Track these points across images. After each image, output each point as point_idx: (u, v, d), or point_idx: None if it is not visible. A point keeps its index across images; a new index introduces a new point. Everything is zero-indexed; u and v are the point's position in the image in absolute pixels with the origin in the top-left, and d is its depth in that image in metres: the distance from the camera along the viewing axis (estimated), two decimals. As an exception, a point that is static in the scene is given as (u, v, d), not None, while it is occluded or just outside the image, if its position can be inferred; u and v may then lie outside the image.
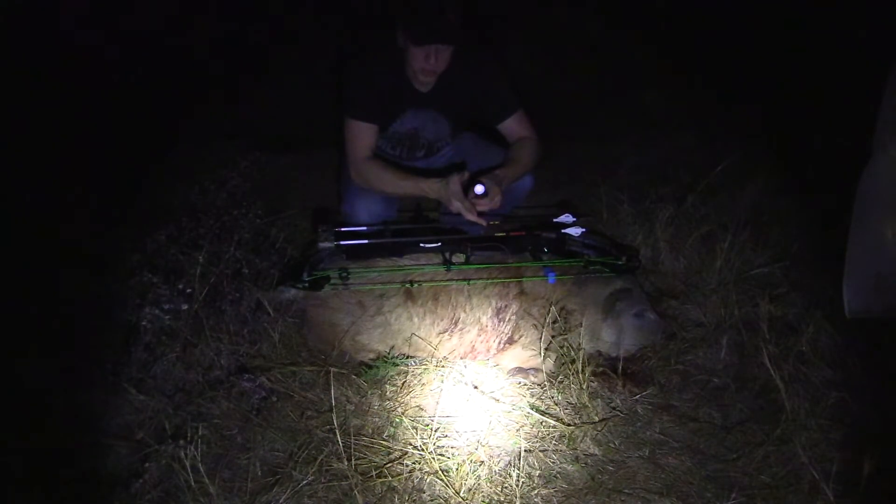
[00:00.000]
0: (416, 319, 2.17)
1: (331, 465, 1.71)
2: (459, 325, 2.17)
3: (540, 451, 1.81)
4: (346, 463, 1.69)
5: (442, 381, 2.05)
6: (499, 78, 2.45)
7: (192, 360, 2.01)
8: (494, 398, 2.00)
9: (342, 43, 4.01)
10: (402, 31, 2.25)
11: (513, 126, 2.47)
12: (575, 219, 2.39)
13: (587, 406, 1.94)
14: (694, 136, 3.58)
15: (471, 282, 2.17)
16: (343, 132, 2.41)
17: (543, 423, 1.90)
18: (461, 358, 2.19)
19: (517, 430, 1.88)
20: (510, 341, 2.18)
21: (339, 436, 1.71)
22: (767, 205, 2.85)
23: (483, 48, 2.48)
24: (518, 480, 1.69)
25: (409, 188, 2.40)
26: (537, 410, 1.94)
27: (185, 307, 2.07)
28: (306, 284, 2.14)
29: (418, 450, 1.77)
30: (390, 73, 2.37)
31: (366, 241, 2.26)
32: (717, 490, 1.69)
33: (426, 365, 2.13)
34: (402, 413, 1.93)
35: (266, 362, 2.08)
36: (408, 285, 2.17)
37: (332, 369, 1.96)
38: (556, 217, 2.41)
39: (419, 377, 2.08)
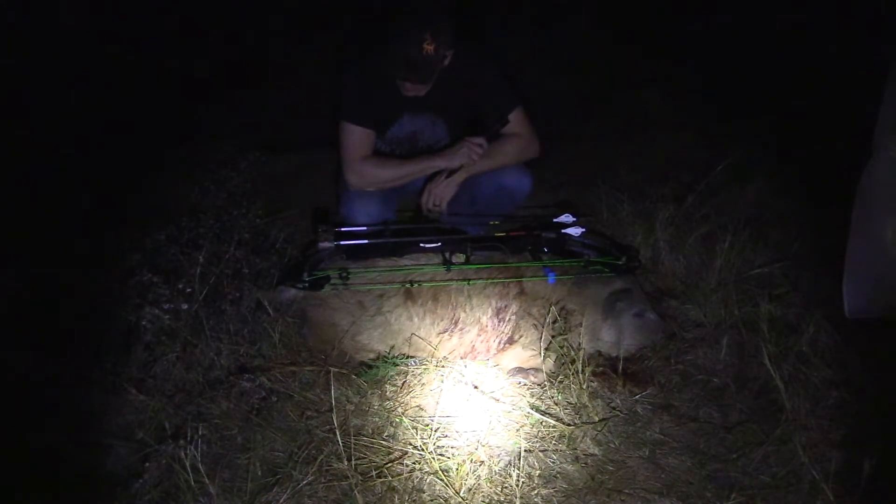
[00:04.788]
0: (416, 319, 2.17)
1: (331, 465, 1.70)
2: (459, 325, 2.17)
3: (540, 451, 1.81)
4: (346, 463, 1.69)
5: (442, 381, 2.05)
6: (495, 77, 2.45)
7: (192, 360, 2.01)
8: (494, 398, 2.00)
9: (341, 45, 4.02)
10: None
11: (509, 124, 2.47)
12: (575, 219, 2.39)
13: (587, 406, 1.94)
14: (694, 136, 3.58)
15: (471, 282, 2.17)
16: (339, 137, 2.42)
17: (543, 423, 1.90)
18: (461, 358, 2.19)
19: (517, 430, 1.88)
20: (510, 341, 2.18)
21: (339, 436, 1.71)
22: (767, 205, 2.85)
23: (479, 48, 2.48)
24: (518, 480, 1.69)
25: (415, 168, 2.43)
26: (537, 410, 1.94)
27: (185, 307, 2.07)
28: (306, 284, 2.14)
29: (418, 450, 1.77)
30: (386, 77, 2.36)
31: (366, 242, 2.26)
32: (717, 490, 1.69)
33: (426, 365, 2.12)
34: (402, 413, 1.93)
35: (266, 362, 2.08)
36: (408, 285, 2.17)
37: (332, 369, 1.96)
38: (556, 217, 2.41)
39: (419, 377, 2.08)
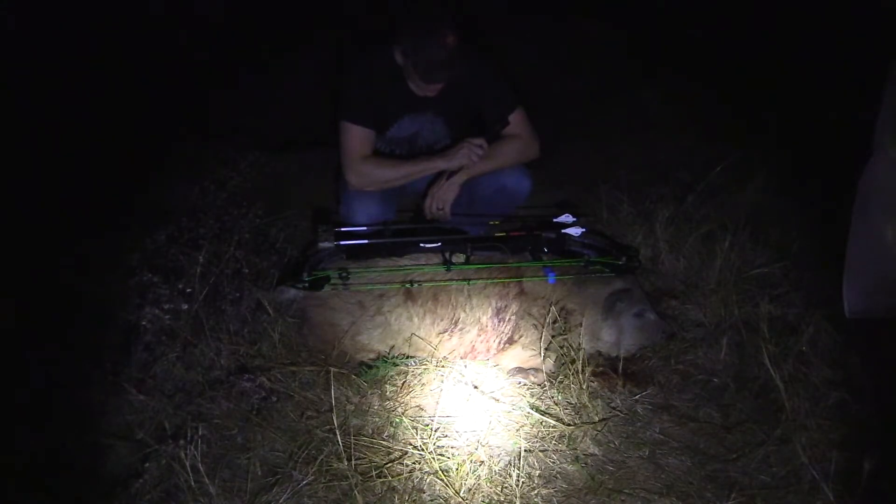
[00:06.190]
0: (416, 319, 2.17)
1: (331, 465, 1.71)
2: (459, 325, 2.17)
3: (540, 451, 1.81)
4: (346, 463, 1.69)
5: (442, 381, 2.05)
6: (495, 78, 2.46)
7: (192, 360, 2.01)
8: (494, 398, 2.00)
9: (342, 44, 4.01)
10: (406, 59, 2.27)
11: (509, 125, 2.47)
12: (575, 219, 2.39)
13: (587, 406, 1.94)
14: (694, 136, 3.58)
15: (471, 282, 2.17)
16: (339, 136, 2.42)
17: (543, 423, 1.90)
18: (461, 358, 2.19)
19: (517, 430, 1.88)
20: (510, 341, 2.18)
21: (339, 436, 1.71)
22: (767, 205, 2.85)
23: (480, 49, 2.48)
24: (518, 480, 1.69)
25: (415, 169, 2.43)
26: (537, 410, 1.94)
27: (185, 307, 2.07)
28: (306, 284, 2.14)
29: (418, 450, 1.77)
30: (388, 78, 2.37)
31: (366, 241, 2.26)
32: (717, 490, 1.69)
33: (426, 365, 2.13)
34: (402, 413, 1.93)
35: (266, 362, 2.08)
36: (408, 285, 2.17)
37: (332, 369, 1.96)
38: (556, 217, 2.41)
39: (419, 377, 2.08)
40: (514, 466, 1.73)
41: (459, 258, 2.22)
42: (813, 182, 2.67)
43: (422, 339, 2.16)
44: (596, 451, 1.82)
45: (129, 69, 3.61)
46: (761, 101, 3.54)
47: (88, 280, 2.24)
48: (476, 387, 2.04)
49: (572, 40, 4.67)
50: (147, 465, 1.69)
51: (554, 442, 1.84)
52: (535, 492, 1.68)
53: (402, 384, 2.05)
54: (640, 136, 3.69)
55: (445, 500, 1.65)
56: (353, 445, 1.76)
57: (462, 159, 2.38)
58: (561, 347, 2.10)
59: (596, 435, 1.86)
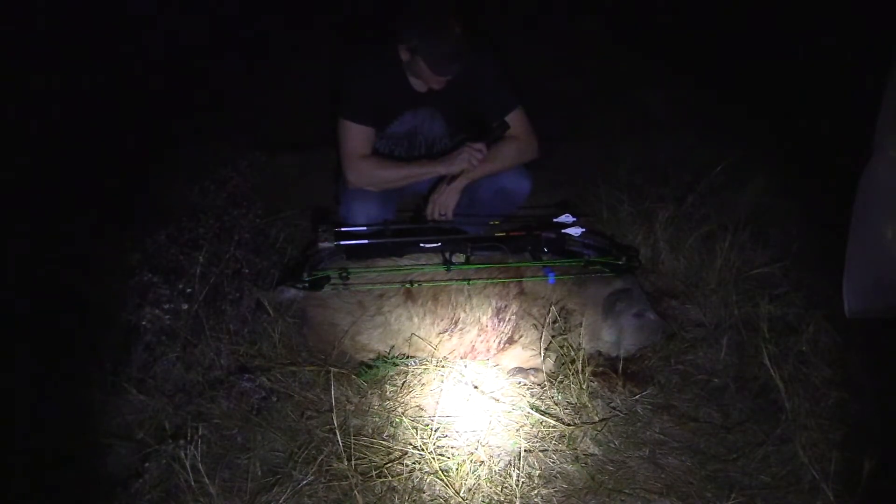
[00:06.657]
0: (416, 319, 2.17)
1: (331, 465, 1.71)
2: (459, 325, 2.17)
3: (540, 451, 1.81)
4: (346, 463, 1.69)
5: (442, 381, 2.05)
6: (497, 76, 2.45)
7: (192, 360, 2.01)
8: (494, 398, 2.00)
9: (341, 43, 4.01)
10: (413, 54, 2.26)
11: (509, 126, 2.47)
12: (575, 219, 2.39)
13: (587, 406, 1.94)
14: (694, 136, 3.58)
15: (471, 282, 2.17)
16: (338, 134, 2.42)
17: (543, 423, 1.90)
18: (461, 358, 2.19)
19: (517, 430, 1.88)
20: (510, 341, 2.18)
21: (339, 436, 1.71)
22: (767, 205, 2.85)
23: (482, 46, 2.47)
24: (518, 480, 1.69)
25: (414, 172, 2.44)
26: (537, 410, 1.94)
27: (185, 307, 2.07)
28: (306, 284, 2.14)
29: (418, 450, 1.77)
30: (388, 75, 2.37)
31: (366, 241, 2.26)
32: (717, 490, 1.69)
33: (426, 365, 2.13)
34: (402, 413, 1.93)
35: (266, 362, 2.08)
36: (408, 285, 2.17)
37: (332, 369, 1.96)
38: (556, 217, 2.41)
39: (419, 377, 2.08)
40: (514, 466, 1.73)
41: (459, 258, 2.22)
42: (813, 182, 2.67)
43: (422, 339, 2.16)
44: (596, 451, 1.82)
45: (129, 69, 3.61)
46: (761, 101, 3.54)
47: (88, 280, 2.24)
48: (476, 387, 2.04)
49: (572, 40, 4.67)
50: (147, 465, 1.69)
51: (554, 442, 1.84)
52: (535, 492, 1.68)
53: (402, 384, 2.05)
54: (640, 136, 3.69)
55: (445, 500, 1.65)
56: (353, 445, 1.76)
57: (462, 164, 2.38)
58: (561, 347, 2.10)
59: (596, 435, 1.86)
